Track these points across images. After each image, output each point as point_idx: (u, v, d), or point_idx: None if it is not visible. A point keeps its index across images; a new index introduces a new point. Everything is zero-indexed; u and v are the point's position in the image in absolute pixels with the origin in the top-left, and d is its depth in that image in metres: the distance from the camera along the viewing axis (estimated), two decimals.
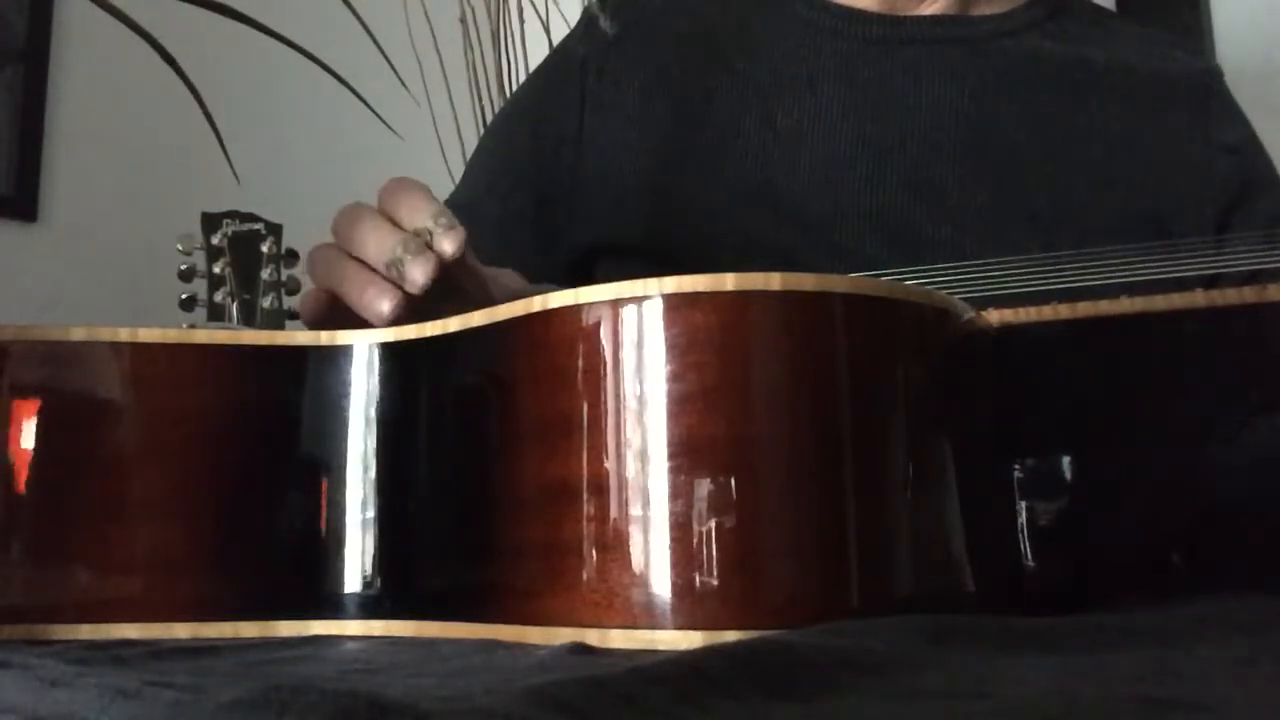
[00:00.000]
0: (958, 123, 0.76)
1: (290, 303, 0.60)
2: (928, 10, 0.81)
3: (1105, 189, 0.75)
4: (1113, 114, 0.79)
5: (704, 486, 0.39)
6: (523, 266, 0.68)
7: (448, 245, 0.51)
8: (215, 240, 0.62)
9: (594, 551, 0.40)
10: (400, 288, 0.51)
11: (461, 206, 0.79)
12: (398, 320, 0.51)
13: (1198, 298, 0.46)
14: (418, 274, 0.50)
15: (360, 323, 0.52)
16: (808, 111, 0.78)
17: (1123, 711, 0.25)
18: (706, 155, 0.78)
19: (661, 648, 0.38)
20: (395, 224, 0.53)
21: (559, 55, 0.90)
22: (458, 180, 0.91)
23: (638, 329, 0.40)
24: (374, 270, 0.52)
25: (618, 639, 0.39)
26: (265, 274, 0.60)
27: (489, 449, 0.44)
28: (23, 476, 0.46)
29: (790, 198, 0.76)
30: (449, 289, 0.53)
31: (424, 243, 0.51)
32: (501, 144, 0.89)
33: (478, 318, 0.45)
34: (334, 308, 0.55)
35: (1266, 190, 0.79)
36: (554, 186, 0.82)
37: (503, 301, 0.45)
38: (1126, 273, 0.50)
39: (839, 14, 0.82)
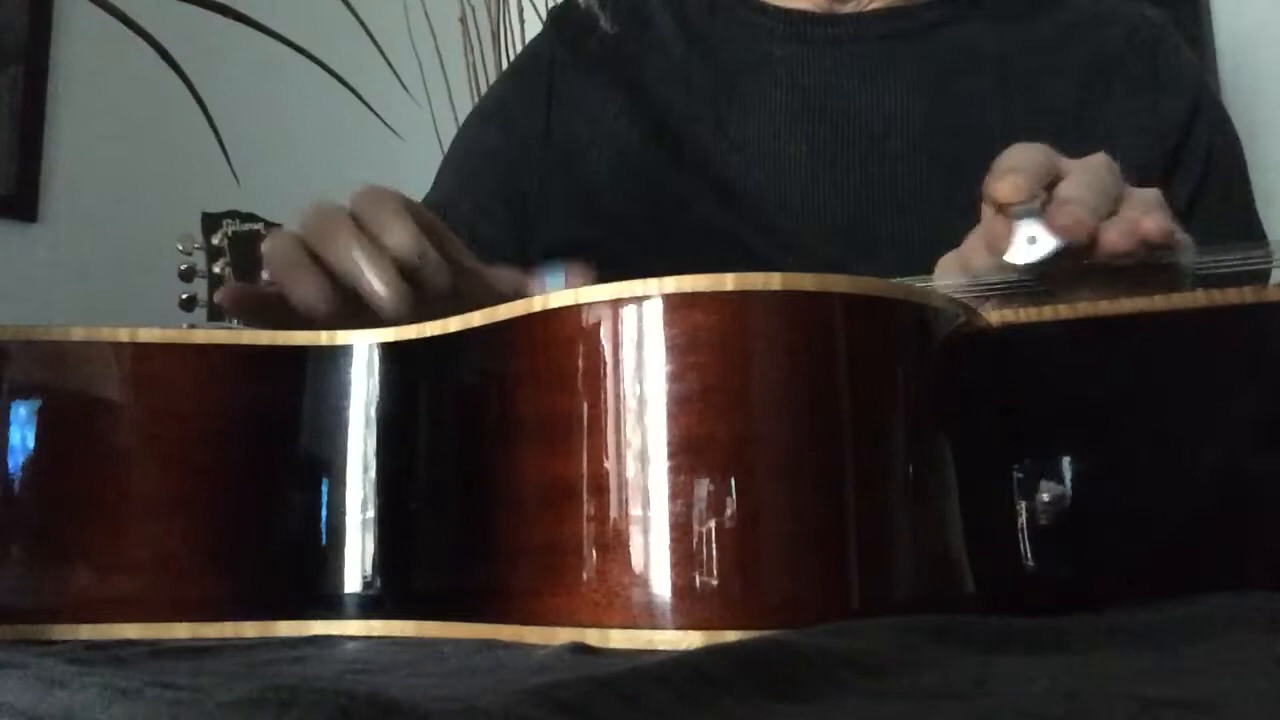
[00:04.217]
0: (905, 116, 0.76)
1: None
2: (869, 6, 0.81)
3: None
4: (1060, 91, 0.78)
5: (704, 486, 0.39)
6: None
7: (437, 283, 0.53)
8: (215, 240, 0.62)
9: (594, 551, 0.40)
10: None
11: (436, 207, 0.79)
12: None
13: (1198, 298, 0.46)
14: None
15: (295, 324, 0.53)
16: (757, 118, 0.78)
17: (1123, 711, 0.25)
18: (669, 162, 0.79)
19: (661, 648, 0.38)
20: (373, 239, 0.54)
21: (527, 55, 0.91)
22: None
23: (637, 329, 0.40)
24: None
25: (618, 639, 0.39)
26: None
27: (489, 449, 0.44)
28: (22, 476, 0.46)
29: (746, 203, 0.76)
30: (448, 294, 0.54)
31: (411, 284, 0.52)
32: (473, 144, 0.89)
33: (478, 318, 0.45)
34: (275, 303, 0.55)
35: (1191, 161, 0.77)
36: (524, 185, 0.82)
37: (501, 297, 0.46)
38: None
39: (780, 17, 0.82)
